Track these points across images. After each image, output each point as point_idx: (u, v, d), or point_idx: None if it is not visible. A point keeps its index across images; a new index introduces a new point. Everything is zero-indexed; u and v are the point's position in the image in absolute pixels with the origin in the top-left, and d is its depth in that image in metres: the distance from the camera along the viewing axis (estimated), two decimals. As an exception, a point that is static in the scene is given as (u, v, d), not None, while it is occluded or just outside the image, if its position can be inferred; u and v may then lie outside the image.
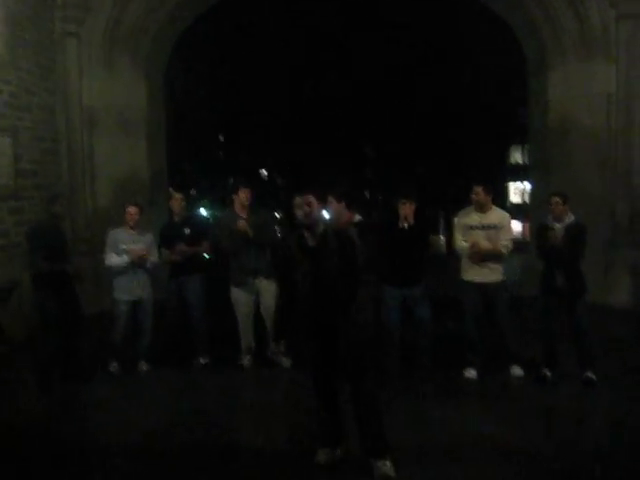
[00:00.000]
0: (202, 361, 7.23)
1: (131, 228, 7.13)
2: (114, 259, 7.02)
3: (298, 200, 4.49)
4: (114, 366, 7.11)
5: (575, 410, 5.83)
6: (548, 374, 6.57)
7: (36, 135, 9.26)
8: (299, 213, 4.49)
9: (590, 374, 6.41)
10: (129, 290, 7.08)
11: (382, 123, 33.30)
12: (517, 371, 6.73)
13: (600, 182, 10.14)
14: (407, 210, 6.71)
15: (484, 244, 6.63)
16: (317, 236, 4.50)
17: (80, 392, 6.55)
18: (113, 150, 10.57)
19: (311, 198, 4.48)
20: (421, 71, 29.71)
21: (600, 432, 5.37)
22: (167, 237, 7.30)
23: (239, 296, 7.06)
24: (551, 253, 6.48)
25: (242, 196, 7.10)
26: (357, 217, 6.92)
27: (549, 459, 4.78)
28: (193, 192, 40.80)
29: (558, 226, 6.47)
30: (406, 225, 6.70)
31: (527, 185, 33.23)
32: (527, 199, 32.54)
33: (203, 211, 42.34)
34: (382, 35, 27.20)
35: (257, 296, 7.11)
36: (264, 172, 44.35)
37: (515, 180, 43.70)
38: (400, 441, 4.81)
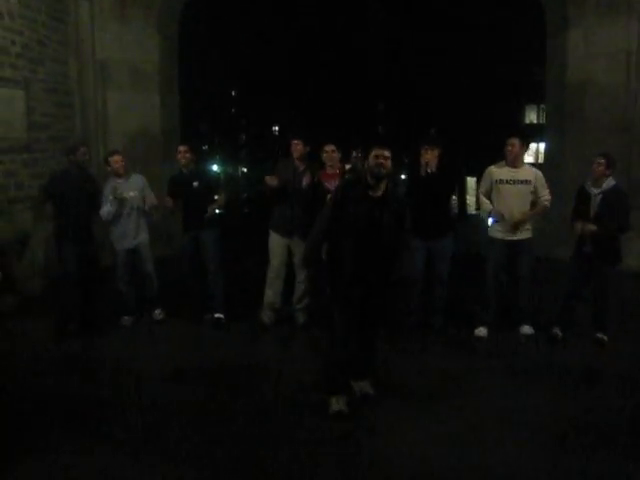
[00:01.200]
0: (217, 316, 7.22)
1: (119, 176, 7.09)
2: (104, 208, 6.96)
3: (377, 150, 4.78)
4: (125, 319, 7.22)
5: (580, 368, 5.87)
6: (559, 333, 6.59)
7: (49, 88, 9.21)
8: (374, 163, 4.75)
9: (601, 335, 6.44)
10: (126, 237, 7.12)
11: (396, 80, 32.94)
12: (527, 330, 6.75)
13: (617, 142, 9.98)
14: (429, 156, 6.48)
15: (526, 213, 6.57)
16: (381, 190, 4.81)
17: (93, 343, 6.62)
18: (126, 104, 10.52)
19: (387, 153, 4.78)
20: (436, 27, 29.23)
21: (601, 389, 5.41)
22: (174, 188, 7.22)
23: (275, 240, 6.97)
24: (586, 217, 6.35)
25: (294, 148, 6.91)
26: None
27: (548, 415, 4.88)
28: (205, 148, 40.73)
29: (595, 191, 6.33)
30: (429, 170, 6.48)
31: (541, 146, 32.93)
32: (541, 159, 32.26)
33: (215, 167, 42.35)
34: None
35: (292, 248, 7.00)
36: (276, 128, 44.16)
37: (530, 141, 43.22)
38: (397, 387, 5.33)
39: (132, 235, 7.14)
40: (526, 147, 6.75)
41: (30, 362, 6.08)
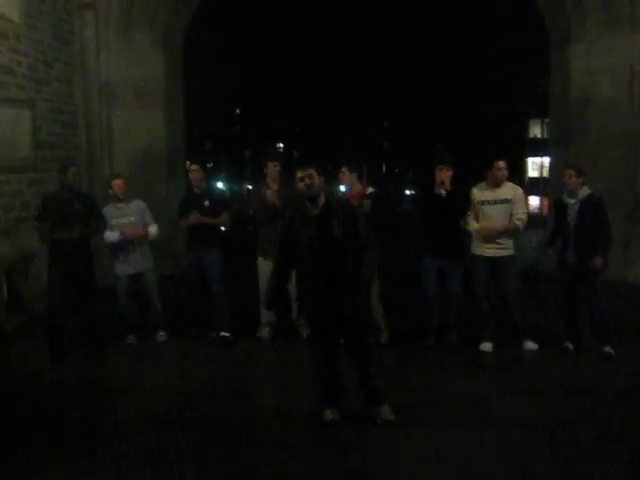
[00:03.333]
0: (222, 334, 7.22)
1: (119, 201, 7.11)
2: (108, 234, 6.99)
3: (299, 173, 4.81)
4: (130, 338, 7.19)
5: (589, 383, 5.83)
6: (570, 347, 6.57)
7: (54, 107, 9.28)
8: (301, 185, 4.81)
9: (608, 349, 6.40)
10: (129, 263, 7.10)
11: (401, 97, 33.05)
12: (530, 345, 6.72)
13: (621, 155, 10.00)
14: (444, 175, 6.54)
15: (495, 225, 6.58)
16: (319, 206, 4.80)
17: (97, 361, 6.62)
18: (131, 122, 10.58)
19: (312, 171, 4.79)
20: (440, 42, 29.36)
21: (612, 405, 5.33)
22: (186, 208, 7.24)
23: (263, 266, 7.03)
24: (565, 229, 6.42)
25: (271, 169, 7.11)
26: (370, 189, 6.94)
27: (557, 428, 4.83)
28: (210, 165, 40.89)
29: (572, 201, 6.39)
30: (443, 192, 6.56)
31: (545, 160, 32.93)
32: (545, 174, 32.26)
33: (220, 184, 42.49)
34: (401, 5, 26.89)
35: None
36: (280, 145, 44.29)
37: (534, 154, 43.20)
38: (406, 404, 5.17)
39: (135, 261, 7.12)
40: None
41: (32, 381, 6.07)
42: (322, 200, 4.81)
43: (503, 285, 6.71)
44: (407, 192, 40.94)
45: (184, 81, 12.25)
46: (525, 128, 43.18)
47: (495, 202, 6.63)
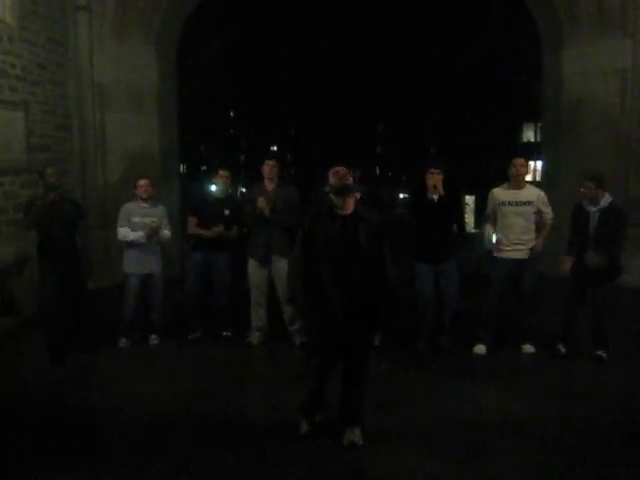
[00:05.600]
0: (224, 334, 7.31)
1: (144, 201, 7.16)
2: (129, 234, 7.04)
3: (335, 168, 4.60)
4: (123, 341, 7.19)
5: (581, 386, 5.87)
6: (562, 349, 6.61)
7: (48, 109, 9.27)
8: (335, 178, 4.56)
9: (601, 352, 6.44)
10: (140, 263, 7.11)
11: (395, 101, 33.11)
12: (528, 348, 6.75)
13: (613, 159, 10.04)
14: (435, 180, 6.55)
15: (541, 240, 6.64)
16: (349, 209, 4.58)
17: (91, 365, 6.62)
18: (124, 125, 10.56)
19: (346, 169, 4.63)
20: (433, 45, 29.44)
21: (604, 409, 5.36)
22: (203, 212, 7.18)
23: (252, 268, 7.03)
24: (585, 235, 6.41)
25: (266, 169, 7.02)
26: (357, 194, 6.94)
27: (550, 432, 4.86)
28: (204, 168, 40.86)
29: (593, 209, 6.39)
30: (435, 197, 6.59)
31: (539, 163, 33.01)
32: (538, 177, 32.32)
33: (214, 187, 42.43)
34: (396, 8, 26.95)
35: (273, 276, 7.05)
36: (274, 148, 44.27)
37: (528, 159, 43.27)
38: (400, 414, 5.19)
39: (149, 261, 7.14)
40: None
41: (24, 383, 6.07)
42: (352, 203, 4.60)
43: (524, 285, 6.73)
44: (401, 196, 41.11)
45: (178, 84, 12.25)
46: (519, 132, 43.30)
47: (517, 204, 6.63)
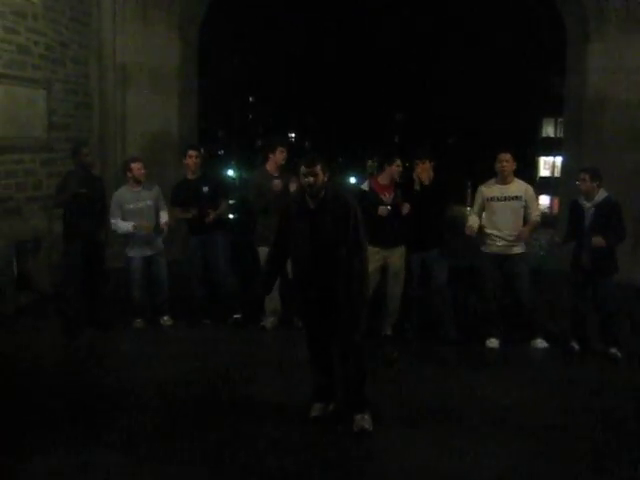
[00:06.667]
0: (235, 316, 7.33)
1: (137, 184, 7.12)
2: (120, 224, 7.02)
3: (304, 169, 4.67)
4: (138, 322, 7.24)
5: (595, 383, 5.82)
6: (576, 347, 6.58)
7: (69, 89, 9.30)
8: (304, 181, 4.68)
9: (615, 350, 6.41)
10: (142, 247, 7.13)
11: (414, 91, 32.95)
12: (540, 343, 6.72)
13: (634, 158, 9.95)
14: (419, 170, 6.66)
15: (528, 228, 6.62)
16: (317, 201, 4.71)
17: (104, 343, 6.68)
18: (145, 106, 10.58)
19: (317, 169, 4.65)
20: (454, 38, 29.25)
21: (616, 406, 5.33)
22: (181, 196, 7.19)
23: (263, 255, 6.99)
24: (580, 230, 6.41)
25: (279, 156, 7.04)
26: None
27: (564, 430, 4.83)
28: (221, 153, 40.93)
29: (587, 205, 6.38)
30: (418, 187, 6.66)
31: (558, 159, 32.79)
32: (557, 173, 32.13)
33: (230, 172, 42.49)
34: (416, 3, 26.79)
35: None
36: (292, 135, 44.26)
37: (547, 154, 43.01)
38: (412, 405, 5.14)
39: (148, 243, 7.15)
40: (515, 163, 6.76)
41: (38, 360, 6.11)
42: (321, 195, 4.72)
43: (516, 283, 6.73)
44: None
45: (199, 68, 12.25)
46: (538, 127, 43.00)
47: (505, 198, 6.64)
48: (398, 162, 6.87)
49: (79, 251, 6.83)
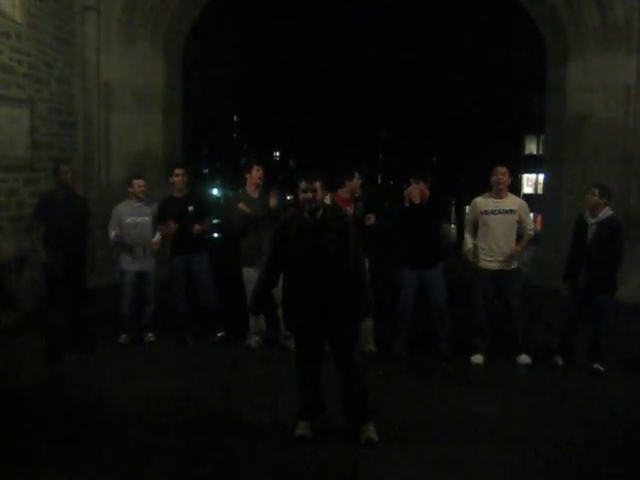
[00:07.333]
0: (219, 335, 7.34)
1: (139, 200, 7.18)
2: (111, 235, 7.13)
3: (303, 185, 4.68)
4: (123, 337, 7.22)
5: (581, 397, 5.88)
6: (560, 362, 6.60)
7: (53, 108, 9.31)
8: (303, 197, 4.69)
9: (598, 365, 6.44)
10: (135, 262, 7.16)
11: (398, 110, 33.19)
12: (524, 359, 6.75)
13: (615, 175, 10.05)
14: (411, 189, 6.67)
15: (522, 245, 6.69)
16: (317, 217, 4.72)
17: (88, 361, 6.64)
18: (129, 125, 10.60)
19: (317, 185, 4.70)
20: (437, 58, 29.54)
21: (598, 420, 5.36)
22: (167, 213, 7.19)
23: (249, 276, 7.01)
24: (580, 248, 6.43)
25: (255, 174, 7.10)
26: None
27: (546, 443, 4.85)
28: (205, 171, 40.88)
29: (592, 221, 6.41)
30: (407, 204, 6.67)
31: (540, 176, 33.06)
32: (540, 190, 32.35)
33: (215, 191, 42.42)
34: (398, 20, 27.05)
35: None
36: (277, 154, 44.34)
37: (530, 171, 43.34)
38: (395, 419, 5.16)
39: (143, 259, 7.19)
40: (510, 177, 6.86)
41: (21, 380, 6.06)
42: (319, 212, 4.73)
43: (509, 297, 6.76)
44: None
45: (183, 86, 12.29)
46: (521, 144, 43.34)
47: (499, 212, 6.67)
48: (357, 176, 6.97)
49: (60, 271, 6.78)
